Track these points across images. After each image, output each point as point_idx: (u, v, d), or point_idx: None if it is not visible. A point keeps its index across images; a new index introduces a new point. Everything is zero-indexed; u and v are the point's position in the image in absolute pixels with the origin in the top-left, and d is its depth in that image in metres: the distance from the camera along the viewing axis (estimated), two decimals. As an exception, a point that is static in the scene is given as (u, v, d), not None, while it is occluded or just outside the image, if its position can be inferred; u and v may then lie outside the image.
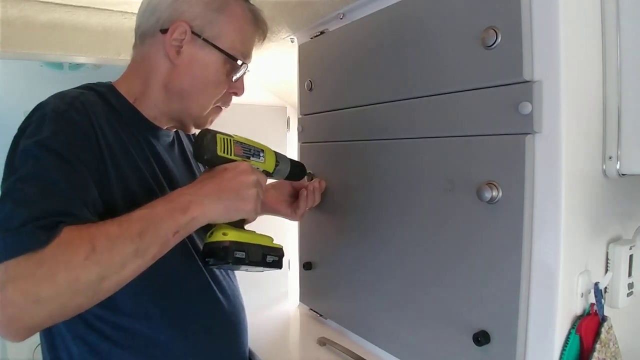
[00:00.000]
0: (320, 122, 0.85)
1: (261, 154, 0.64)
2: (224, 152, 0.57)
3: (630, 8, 0.50)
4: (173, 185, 0.64)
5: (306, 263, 0.89)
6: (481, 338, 0.52)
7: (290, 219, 0.82)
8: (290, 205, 0.80)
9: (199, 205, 0.51)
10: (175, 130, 0.71)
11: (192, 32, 0.59)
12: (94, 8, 0.92)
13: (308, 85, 0.87)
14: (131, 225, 0.46)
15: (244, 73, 0.66)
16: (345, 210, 0.78)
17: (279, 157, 0.67)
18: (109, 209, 0.51)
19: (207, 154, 0.56)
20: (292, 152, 1.16)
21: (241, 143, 0.60)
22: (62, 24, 0.93)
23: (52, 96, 0.54)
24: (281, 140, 1.17)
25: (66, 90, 0.56)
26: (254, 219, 0.59)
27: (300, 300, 0.97)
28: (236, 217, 0.56)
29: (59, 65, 2.04)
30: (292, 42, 0.94)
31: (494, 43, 0.50)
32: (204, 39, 0.60)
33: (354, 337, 0.79)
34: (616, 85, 0.51)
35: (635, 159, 0.51)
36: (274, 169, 0.66)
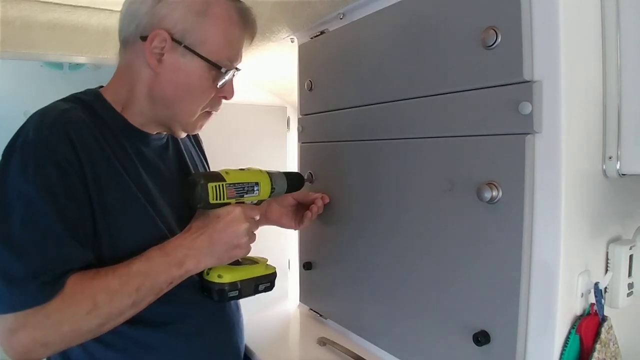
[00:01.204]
0: (320, 122, 0.85)
1: (255, 188, 0.64)
2: (216, 199, 0.58)
3: (631, 8, 0.50)
4: (165, 190, 0.63)
5: (306, 263, 0.89)
6: (481, 338, 0.52)
7: (292, 229, 0.82)
8: (293, 217, 0.80)
9: (193, 258, 0.55)
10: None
11: (173, 39, 0.57)
12: (94, 8, 0.92)
13: (308, 85, 0.87)
14: (130, 280, 0.51)
15: (232, 77, 0.64)
16: (345, 210, 0.78)
17: (275, 181, 0.67)
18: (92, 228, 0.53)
19: (200, 203, 0.58)
20: (292, 152, 1.17)
21: (234, 184, 0.60)
22: (62, 24, 0.93)
23: (33, 116, 0.54)
24: (281, 140, 1.17)
25: (48, 108, 0.55)
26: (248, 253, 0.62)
27: (300, 300, 0.97)
28: (229, 262, 0.60)
29: (59, 65, 2.04)
30: (292, 42, 0.94)
31: (494, 43, 0.50)
32: (185, 46, 0.57)
33: (354, 337, 0.79)
34: (616, 85, 0.51)
35: (635, 158, 0.51)
36: (270, 194, 0.67)
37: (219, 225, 0.57)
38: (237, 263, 0.64)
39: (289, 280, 1.15)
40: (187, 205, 0.61)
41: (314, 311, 0.91)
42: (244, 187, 0.62)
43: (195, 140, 0.81)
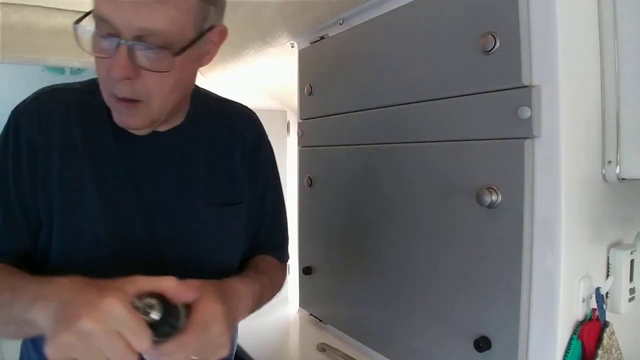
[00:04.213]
0: (320, 126, 0.85)
1: None
2: None
3: (628, 13, 0.50)
4: (155, 195, 0.54)
5: (306, 268, 0.89)
6: (482, 344, 0.52)
7: None
8: None
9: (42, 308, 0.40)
10: (183, 125, 0.58)
11: None
12: (95, 13, 0.93)
13: (308, 89, 0.87)
14: None
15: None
16: (345, 215, 0.78)
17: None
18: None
19: None
20: (292, 156, 1.17)
21: None
22: (64, 29, 0.94)
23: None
24: (281, 145, 1.18)
25: (53, 85, 0.56)
26: None
27: (300, 306, 0.96)
28: None
29: (60, 70, 2.05)
30: (292, 47, 0.94)
31: (493, 48, 0.51)
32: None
33: (354, 342, 0.78)
34: (614, 89, 0.51)
35: (635, 163, 0.51)
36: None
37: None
38: None
39: (289, 285, 1.14)
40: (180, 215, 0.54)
41: (314, 316, 0.90)
42: None
43: (253, 152, 0.65)
